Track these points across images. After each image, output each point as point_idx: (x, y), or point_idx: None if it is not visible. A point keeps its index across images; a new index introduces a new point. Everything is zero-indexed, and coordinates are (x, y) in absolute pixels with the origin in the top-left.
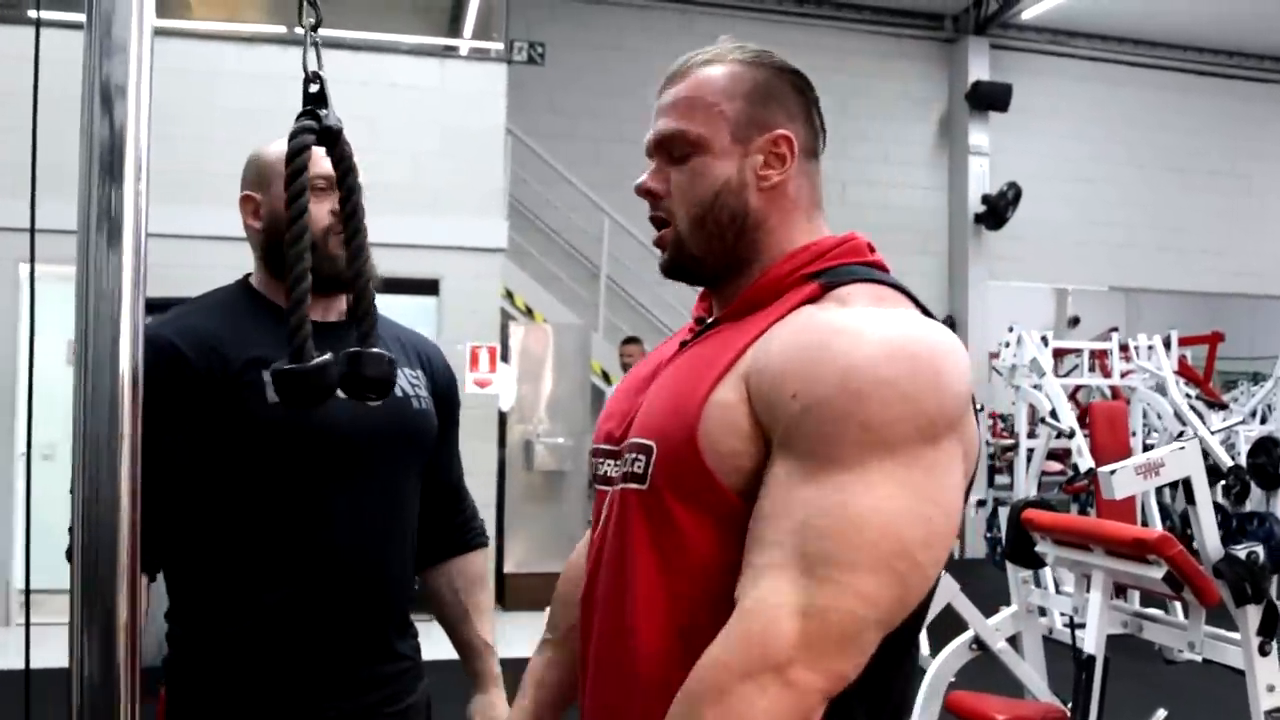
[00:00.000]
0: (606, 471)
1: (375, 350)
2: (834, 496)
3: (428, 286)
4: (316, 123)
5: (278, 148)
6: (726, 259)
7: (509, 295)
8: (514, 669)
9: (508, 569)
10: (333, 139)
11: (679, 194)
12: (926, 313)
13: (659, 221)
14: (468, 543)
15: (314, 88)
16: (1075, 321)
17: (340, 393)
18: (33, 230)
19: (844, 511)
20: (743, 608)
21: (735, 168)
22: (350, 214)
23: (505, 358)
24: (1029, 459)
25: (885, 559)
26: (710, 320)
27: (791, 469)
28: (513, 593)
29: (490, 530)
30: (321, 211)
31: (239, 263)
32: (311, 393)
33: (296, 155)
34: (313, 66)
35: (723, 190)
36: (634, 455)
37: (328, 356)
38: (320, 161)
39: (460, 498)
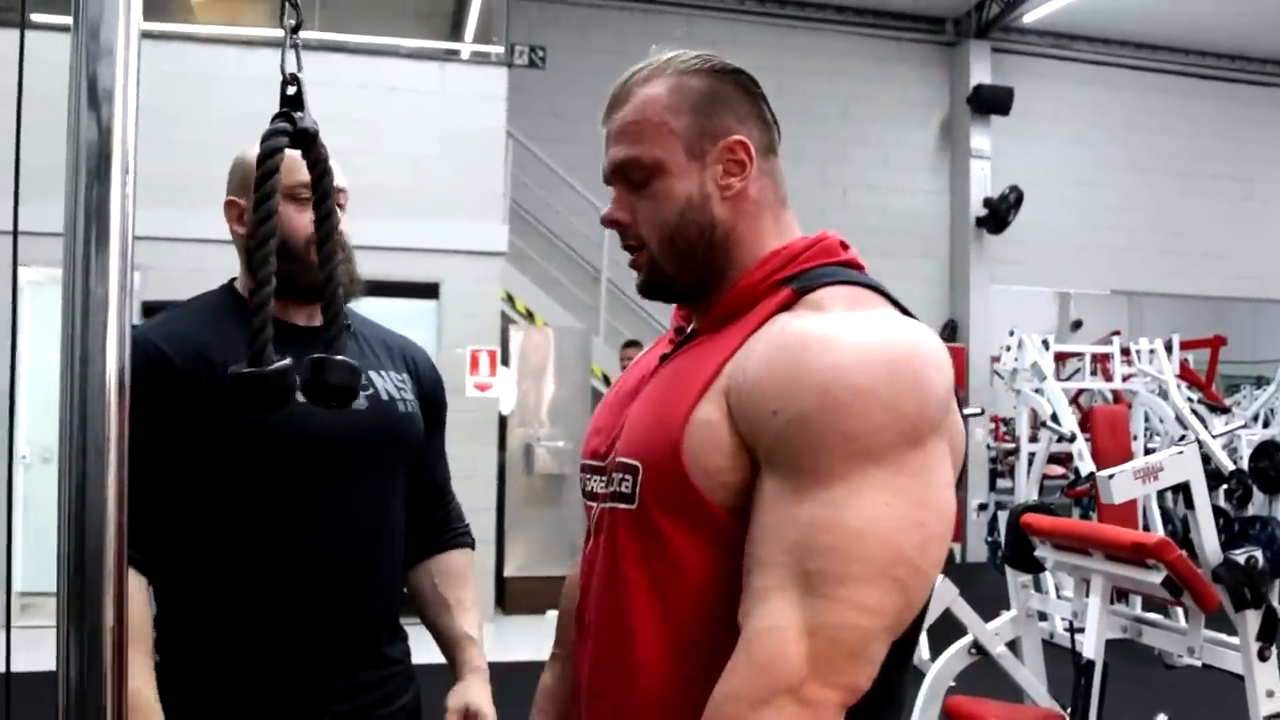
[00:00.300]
0: (594, 488)
1: (340, 358)
2: (825, 511)
3: (428, 290)
4: (291, 125)
5: None
6: (700, 274)
7: (509, 299)
8: (515, 672)
9: (508, 572)
10: (309, 141)
11: (645, 219)
12: (904, 311)
13: (631, 247)
14: (447, 542)
15: (291, 90)
16: (1077, 325)
17: (303, 398)
18: (15, 232)
19: (838, 526)
20: (748, 634)
21: (696, 183)
22: (324, 217)
23: (505, 361)
24: (1030, 463)
25: (884, 569)
26: (689, 331)
27: (780, 486)
28: (513, 596)
29: (490, 534)
30: (304, 221)
31: (238, 267)
32: (269, 398)
33: (268, 158)
34: (291, 68)
35: (686, 208)
36: (621, 475)
37: (286, 361)
38: (304, 169)
39: (444, 498)
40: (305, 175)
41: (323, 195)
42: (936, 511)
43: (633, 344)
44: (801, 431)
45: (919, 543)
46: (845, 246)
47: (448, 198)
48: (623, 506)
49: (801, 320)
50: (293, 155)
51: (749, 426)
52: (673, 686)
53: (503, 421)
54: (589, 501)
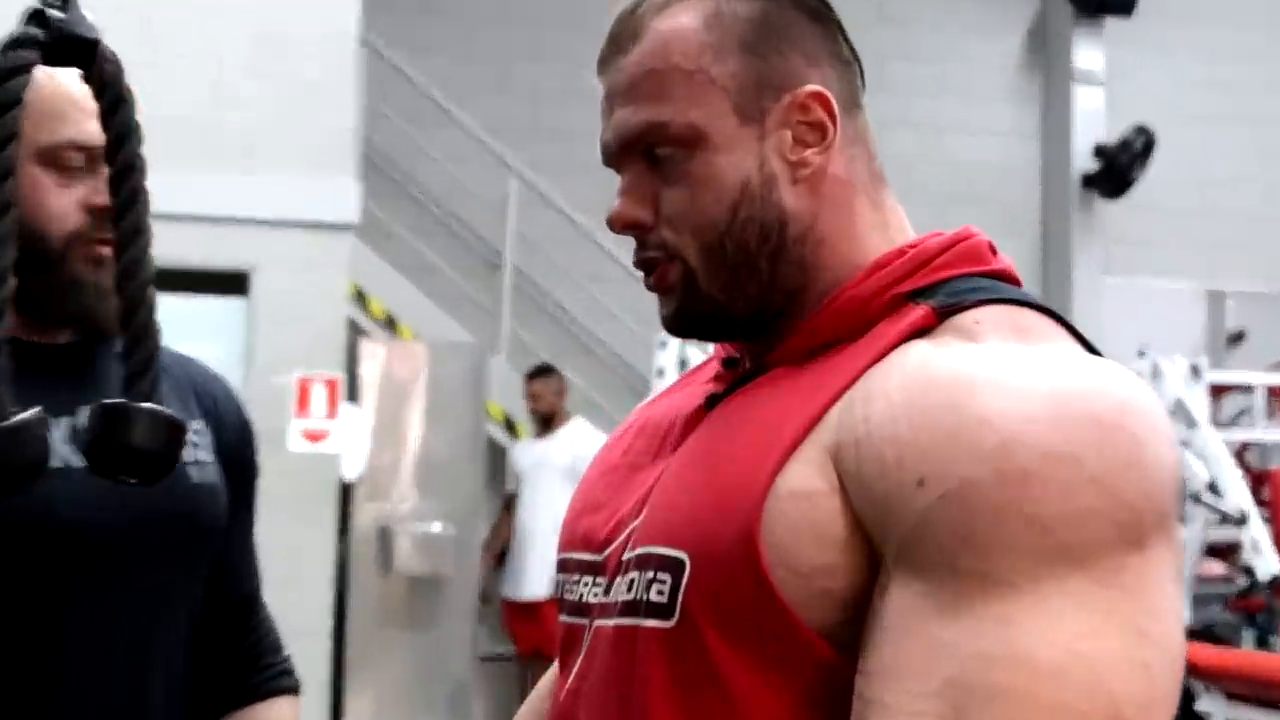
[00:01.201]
0: (582, 595)
1: (151, 406)
2: (998, 635)
3: (230, 282)
4: (43, 30)
5: None
6: (763, 295)
7: (359, 297)
8: None
9: None
10: (86, 57)
11: (679, 218)
12: (1090, 349)
13: (652, 259)
14: (261, 686)
15: None
16: (1237, 338)
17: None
18: None
19: (1018, 657)
20: None
21: (754, 159)
22: (128, 202)
23: (353, 396)
24: None
25: None
26: (749, 365)
27: (923, 595)
28: None
29: (321, 670)
30: (68, 204)
31: None
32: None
33: (6, 79)
34: None
35: (742, 198)
36: (649, 573)
37: (33, 412)
38: (81, 121)
39: (252, 616)
40: (81, 130)
41: (124, 167)
42: (1163, 649)
43: (545, 371)
44: (963, 511)
45: (1141, 694)
46: (994, 250)
47: (265, 137)
48: (650, 624)
49: (954, 351)
50: (69, 94)
51: (874, 503)
52: None
53: (346, 491)
54: (573, 618)
